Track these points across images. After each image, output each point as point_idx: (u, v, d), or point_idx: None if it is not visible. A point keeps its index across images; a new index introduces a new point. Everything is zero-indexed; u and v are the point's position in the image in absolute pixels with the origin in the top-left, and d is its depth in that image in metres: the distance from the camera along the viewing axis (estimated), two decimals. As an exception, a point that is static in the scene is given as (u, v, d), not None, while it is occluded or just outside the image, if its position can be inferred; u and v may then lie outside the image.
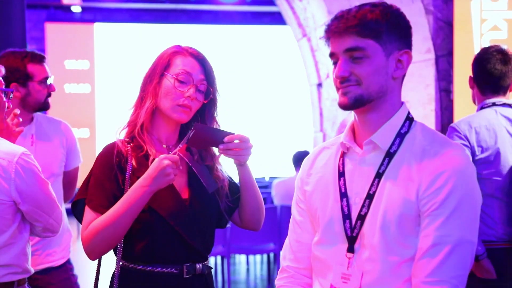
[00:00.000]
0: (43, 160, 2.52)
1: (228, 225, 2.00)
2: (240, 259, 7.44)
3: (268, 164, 11.57)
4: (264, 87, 12.38)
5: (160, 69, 1.82)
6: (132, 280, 1.78)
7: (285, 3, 5.14)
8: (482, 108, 2.75)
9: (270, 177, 10.60)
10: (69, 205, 2.25)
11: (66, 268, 2.90)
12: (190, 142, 1.73)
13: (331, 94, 4.94)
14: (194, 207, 1.81)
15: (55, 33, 11.89)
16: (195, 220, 1.80)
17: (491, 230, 2.63)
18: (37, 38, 11.72)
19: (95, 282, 1.86)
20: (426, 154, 1.39)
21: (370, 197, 1.42)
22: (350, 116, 1.56)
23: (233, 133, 1.76)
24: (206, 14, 12.53)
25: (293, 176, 5.80)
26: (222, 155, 1.81)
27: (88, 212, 1.76)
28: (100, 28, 12.22)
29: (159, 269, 1.76)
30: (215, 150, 1.84)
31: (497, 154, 2.64)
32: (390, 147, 1.43)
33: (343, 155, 1.52)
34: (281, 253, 1.65)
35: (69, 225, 2.98)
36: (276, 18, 11.06)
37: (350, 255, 1.44)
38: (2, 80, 2.10)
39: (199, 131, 1.72)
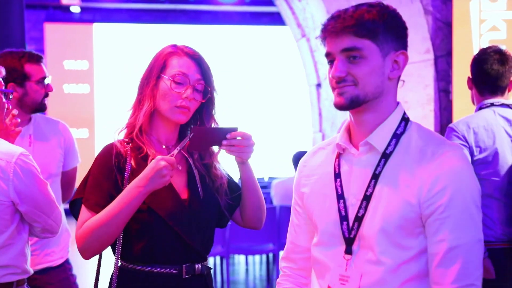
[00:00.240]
0: (41, 161, 2.52)
1: (228, 223, 2.00)
2: (239, 259, 7.44)
3: (267, 164, 11.57)
4: (263, 87, 12.38)
5: (156, 71, 1.82)
6: (131, 281, 1.78)
7: (284, 4, 5.14)
8: (480, 108, 2.75)
9: (269, 177, 10.62)
10: (67, 205, 2.25)
11: (65, 268, 2.90)
12: (191, 146, 1.73)
13: (330, 95, 4.93)
14: (194, 207, 1.81)
15: (54, 33, 11.89)
16: (194, 220, 1.80)
17: (489, 230, 2.63)
18: (36, 38, 11.72)
19: (95, 283, 1.86)
20: (424, 155, 1.39)
21: (367, 198, 1.41)
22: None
23: (235, 128, 1.75)
24: (205, 14, 12.53)
25: (293, 177, 5.78)
26: (222, 153, 1.81)
27: (83, 211, 1.76)
28: (99, 28, 12.22)
29: (158, 269, 1.76)
30: (214, 147, 1.84)
31: (496, 154, 2.64)
32: (386, 148, 1.43)
33: (339, 156, 1.51)
34: (281, 253, 1.66)
35: (68, 225, 2.98)
36: (275, 19, 11.06)
37: (348, 256, 1.43)
38: (2, 81, 2.10)
39: (198, 134, 1.72)
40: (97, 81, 12.09)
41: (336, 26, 1.39)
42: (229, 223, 2.02)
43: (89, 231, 1.72)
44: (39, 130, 2.83)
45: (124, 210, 1.69)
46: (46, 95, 2.79)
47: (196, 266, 1.80)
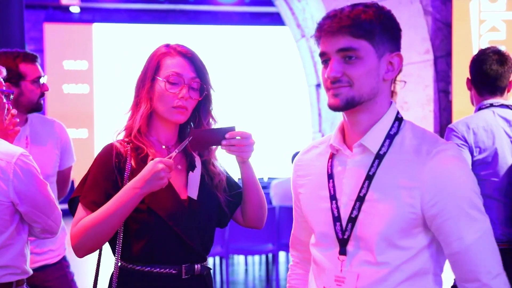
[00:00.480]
0: (38, 162, 2.52)
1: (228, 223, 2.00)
2: (239, 259, 7.44)
3: (267, 164, 11.57)
4: (263, 87, 12.38)
5: (150, 73, 1.82)
6: (130, 281, 1.78)
7: (284, 4, 5.14)
8: (480, 109, 2.76)
9: (268, 178, 10.61)
10: (62, 205, 2.26)
11: (62, 265, 2.91)
12: (191, 147, 1.74)
13: (330, 95, 4.93)
14: (193, 207, 1.80)
15: (54, 34, 11.89)
16: (194, 220, 1.79)
17: (489, 231, 2.63)
18: (35, 39, 11.73)
19: (94, 282, 1.86)
20: (418, 154, 1.39)
21: (360, 199, 1.41)
22: None
23: (233, 127, 1.75)
24: (205, 14, 12.53)
25: (292, 177, 5.79)
26: (222, 153, 1.81)
27: (80, 209, 1.76)
28: (99, 29, 12.22)
29: (158, 269, 1.76)
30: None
31: (495, 155, 2.64)
32: (380, 149, 1.42)
33: (332, 156, 1.51)
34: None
35: (64, 223, 3.00)
36: (275, 19, 11.06)
37: (342, 257, 1.43)
38: (2, 81, 2.10)
39: (197, 136, 1.72)
40: (97, 81, 12.09)
41: (332, 26, 1.38)
42: (229, 223, 2.02)
43: (84, 230, 1.71)
44: (35, 131, 2.82)
45: (120, 210, 1.69)
46: (42, 95, 2.78)
47: (196, 266, 1.80)
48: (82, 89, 12.04)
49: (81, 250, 1.75)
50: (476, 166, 2.64)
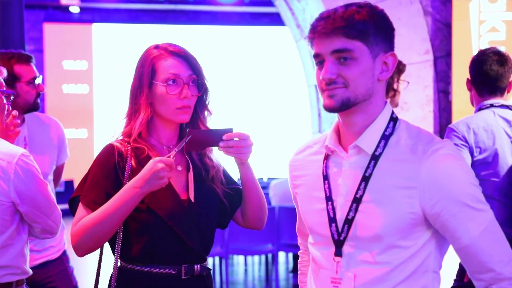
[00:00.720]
0: (36, 161, 2.54)
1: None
2: (238, 260, 7.44)
3: (266, 164, 11.57)
4: (263, 88, 12.39)
5: (147, 78, 1.80)
6: (130, 281, 1.78)
7: (283, 4, 5.14)
8: (480, 109, 2.76)
9: (268, 178, 10.61)
10: (63, 205, 2.26)
11: (62, 260, 2.94)
12: (188, 147, 1.73)
13: (330, 95, 4.93)
14: (193, 207, 1.80)
15: (53, 34, 11.89)
16: (194, 220, 1.79)
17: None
18: (35, 39, 11.73)
19: (95, 283, 1.85)
20: (414, 154, 1.39)
21: (357, 200, 1.41)
22: None
23: (230, 129, 1.74)
24: (205, 14, 12.53)
25: (292, 177, 5.79)
26: (220, 154, 1.81)
27: (80, 208, 1.76)
28: (99, 29, 12.22)
29: (157, 269, 1.76)
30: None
31: (495, 155, 2.64)
32: (375, 150, 1.42)
33: (327, 157, 1.50)
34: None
35: (63, 220, 3.01)
36: (275, 19, 11.06)
37: (338, 259, 1.43)
38: (3, 82, 2.10)
39: (195, 137, 1.72)
40: (96, 81, 12.10)
41: (326, 27, 1.37)
42: (229, 223, 2.02)
43: (84, 229, 1.71)
44: (33, 131, 2.83)
45: (120, 209, 1.69)
46: (38, 95, 2.78)
47: (195, 266, 1.80)
48: (81, 89, 12.04)
49: (81, 250, 1.75)
50: (476, 166, 2.64)
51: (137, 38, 12.02)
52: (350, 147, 1.44)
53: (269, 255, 5.94)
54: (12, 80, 2.68)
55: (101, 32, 12.22)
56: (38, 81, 2.78)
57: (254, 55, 12.41)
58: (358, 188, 1.41)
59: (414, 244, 1.39)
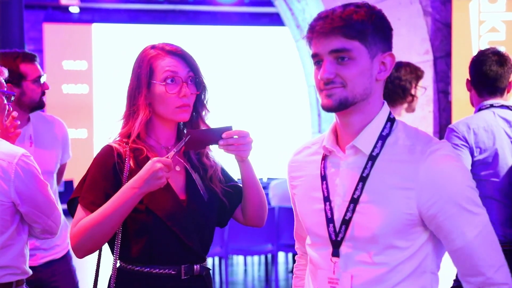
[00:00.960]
0: (42, 160, 2.56)
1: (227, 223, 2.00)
2: (238, 260, 7.44)
3: (266, 165, 11.57)
4: (263, 88, 12.38)
5: (145, 79, 1.80)
6: (129, 281, 1.78)
7: (283, 4, 5.14)
8: (480, 109, 2.76)
9: (268, 178, 10.61)
10: (63, 205, 2.26)
11: (67, 259, 2.96)
12: (187, 147, 1.73)
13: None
14: (192, 208, 1.80)
15: (53, 34, 11.89)
16: (192, 220, 1.79)
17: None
18: (35, 39, 11.72)
19: (94, 283, 1.86)
20: (412, 154, 1.39)
21: (354, 201, 1.41)
22: None
23: (229, 127, 1.74)
24: (204, 15, 12.53)
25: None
26: (220, 153, 1.81)
27: (79, 210, 1.76)
28: (98, 29, 12.21)
29: (157, 270, 1.76)
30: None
31: (496, 155, 2.65)
32: (372, 150, 1.42)
33: (325, 157, 1.50)
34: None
35: (66, 219, 3.03)
36: (275, 19, 11.06)
37: (335, 259, 1.43)
38: (4, 82, 2.10)
39: (194, 137, 1.72)
40: (96, 82, 12.09)
41: (324, 27, 1.37)
42: (228, 223, 2.02)
43: (83, 230, 1.71)
44: (38, 130, 2.86)
45: (119, 210, 1.69)
46: (43, 94, 2.82)
47: (195, 267, 1.80)
48: (81, 89, 12.04)
49: (81, 251, 1.75)
50: (477, 166, 2.64)
51: (137, 38, 12.01)
52: (347, 147, 1.44)
53: (269, 255, 5.93)
54: (18, 79, 2.71)
55: (101, 32, 12.21)
56: (43, 79, 2.81)
57: (254, 55, 12.41)
58: (356, 189, 1.41)
59: (412, 245, 1.39)
